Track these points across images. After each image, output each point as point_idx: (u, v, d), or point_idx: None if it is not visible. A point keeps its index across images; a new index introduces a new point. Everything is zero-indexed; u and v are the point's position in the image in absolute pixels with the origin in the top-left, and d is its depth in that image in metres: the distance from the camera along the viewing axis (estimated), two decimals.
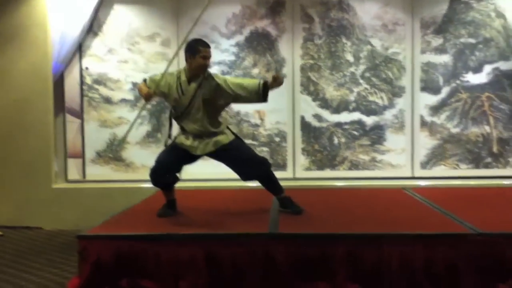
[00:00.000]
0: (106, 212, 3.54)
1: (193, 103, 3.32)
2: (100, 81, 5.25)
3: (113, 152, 5.24)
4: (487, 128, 5.05)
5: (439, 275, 2.84)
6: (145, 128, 5.26)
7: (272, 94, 5.09)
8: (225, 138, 3.43)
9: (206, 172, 5.12)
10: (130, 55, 5.23)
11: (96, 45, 5.23)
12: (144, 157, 5.15)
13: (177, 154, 3.44)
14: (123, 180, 5.18)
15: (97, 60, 5.24)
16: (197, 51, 3.28)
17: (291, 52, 5.15)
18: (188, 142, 3.38)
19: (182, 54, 3.44)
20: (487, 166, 5.06)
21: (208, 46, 3.34)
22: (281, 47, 5.16)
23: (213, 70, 5.18)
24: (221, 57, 5.18)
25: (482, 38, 5.04)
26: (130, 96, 5.25)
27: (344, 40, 5.12)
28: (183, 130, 3.44)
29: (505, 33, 5.04)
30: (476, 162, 5.07)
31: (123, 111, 5.25)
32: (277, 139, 5.17)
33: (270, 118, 5.17)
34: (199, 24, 5.15)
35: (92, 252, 2.94)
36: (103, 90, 5.25)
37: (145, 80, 3.48)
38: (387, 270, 2.88)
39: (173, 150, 3.46)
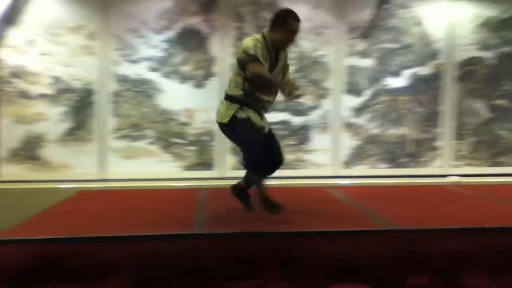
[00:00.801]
0: (22, 214, 3.33)
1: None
2: (17, 74, 4.91)
3: (29, 151, 4.93)
4: (404, 130, 5.38)
5: (358, 269, 2.99)
6: (65, 125, 4.99)
7: (201, 93, 5.14)
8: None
9: (131, 172, 4.99)
10: (52, 47, 4.94)
11: (15, 36, 4.88)
12: (63, 156, 4.90)
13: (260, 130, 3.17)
14: (40, 181, 4.89)
15: (15, 52, 4.90)
16: (285, 23, 3.05)
17: (221, 51, 5.14)
18: (259, 120, 3.18)
19: None
20: (403, 165, 5.39)
21: (298, 20, 3.09)
22: (211, 45, 5.13)
23: (142, 66, 5.06)
24: (151, 53, 5.06)
25: (402, 44, 5.35)
26: (50, 91, 4.97)
27: None
28: (249, 105, 3.14)
29: (423, 40, 5.38)
30: (393, 161, 5.38)
31: (42, 107, 4.96)
32: (205, 138, 5.14)
33: (199, 117, 5.13)
34: (127, 17, 5.02)
35: (8, 256, 2.76)
36: (21, 84, 4.92)
37: (258, 59, 2.98)
38: (311, 266, 2.98)
39: (254, 126, 3.13)
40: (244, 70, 3.05)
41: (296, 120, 5.23)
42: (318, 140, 5.27)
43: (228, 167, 5.16)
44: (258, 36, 3.12)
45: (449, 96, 5.40)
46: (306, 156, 5.25)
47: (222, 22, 5.13)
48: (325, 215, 3.59)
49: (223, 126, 3.25)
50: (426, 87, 5.38)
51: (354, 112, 5.32)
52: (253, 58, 2.97)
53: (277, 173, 5.12)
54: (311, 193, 4.58)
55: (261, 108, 3.24)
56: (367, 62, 5.30)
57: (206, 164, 5.13)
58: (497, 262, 3.04)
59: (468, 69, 5.41)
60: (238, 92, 3.13)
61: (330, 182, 5.11)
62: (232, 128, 3.18)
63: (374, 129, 5.34)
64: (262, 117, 3.25)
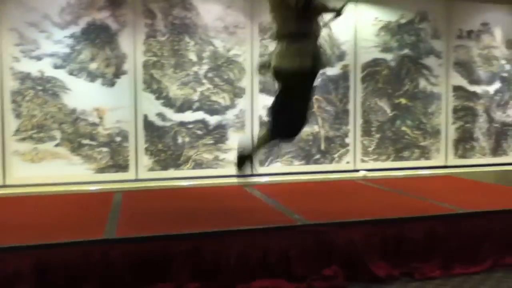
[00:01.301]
0: None
1: None
2: None
3: None
4: (316, 128, 5.59)
5: (273, 264, 3.06)
6: None
7: (112, 91, 4.93)
8: None
9: (37, 176, 4.65)
10: None
11: None
12: None
13: None
14: None
15: None
16: None
17: (133, 48, 4.96)
18: None
19: None
20: (316, 162, 5.60)
21: None
22: (121, 42, 4.93)
23: (45, 63, 4.73)
24: (54, 49, 4.73)
25: None
26: None
27: (187, 39, 5.13)
28: None
29: (330, 42, 5.62)
30: (307, 158, 5.57)
31: None
32: (118, 138, 4.93)
33: (110, 116, 4.90)
34: (27, 9, 4.66)
35: None
36: None
37: None
38: (226, 264, 2.99)
39: None
40: None
41: (212, 119, 5.21)
42: (235, 139, 5.28)
43: (143, 168, 5.00)
44: None
45: (356, 95, 5.71)
46: (223, 155, 5.25)
47: (131, 18, 4.95)
48: (242, 213, 3.63)
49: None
50: (335, 87, 5.63)
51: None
52: None
53: (195, 173, 5.14)
54: (229, 192, 4.61)
55: None
56: None
57: (120, 166, 4.93)
58: (398, 250, 3.28)
59: (372, 70, 5.76)
60: None
61: (247, 181, 5.15)
62: None
63: None
64: None
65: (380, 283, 3.13)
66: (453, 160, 6.08)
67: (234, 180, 5.12)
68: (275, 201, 4.04)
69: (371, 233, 3.23)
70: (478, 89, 6.19)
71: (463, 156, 6.15)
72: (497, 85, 6.26)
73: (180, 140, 5.12)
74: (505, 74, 6.28)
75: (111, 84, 4.91)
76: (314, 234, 3.16)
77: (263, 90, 5.38)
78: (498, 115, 6.29)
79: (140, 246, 2.90)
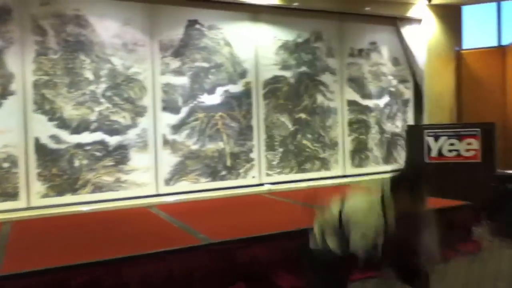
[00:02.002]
0: None
1: None
2: None
3: None
4: (221, 144, 5.62)
5: (178, 285, 2.98)
6: None
7: None
8: None
9: None
10: None
11: None
12: None
13: None
14: None
15: None
16: None
17: (21, 67, 4.61)
18: None
19: None
20: (222, 178, 5.62)
21: None
22: (8, 60, 4.57)
23: None
24: None
25: (214, 63, 5.60)
26: None
27: (82, 57, 4.89)
28: None
29: (232, 60, 5.72)
30: (213, 175, 5.57)
31: None
32: (5, 164, 4.53)
33: None
34: None
35: None
36: None
37: None
38: None
39: None
40: None
41: (112, 140, 5.00)
42: (137, 159, 5.12)
43: (36, 195, 4.64)
44: None
45: (259, 111, 5.85)
46: (126, 177, 5.05)
47: (19, 34, 4.62)
48: (145, 236, 3.51)
49: None
50: (238, 104, 5.73)
51: (173, 129, 5.34)
52: None
53: (94, 197, 4.88)
54: (133, 215, 4.44)
55: None
56: (182, 80, 5.39)
57: (8, 194, 4.52)
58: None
59: (273, 87, 5.96)
60: None
61: (153, 201, 5.03)
62: None
63: (192, 145, 5.44)
64: None
65: None
66: (351, 170, 6.46)
67: (139, 201, 4.99)
68: (180, 221, 3.97)
69: (274, 246, 3.30)
70: (369, 103, 6.67)
71: (359, 166, 6.56)
72: (386, 98, 6.80)
73: (77, 163, 4.83)
74: (392, 89, 6.85)
75: None
76: (218, 252, 3.15)
77: (166, 108, 5.29)
78: (388, 126, 6.82)
79: (31, 281, 2.67)
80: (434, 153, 5.49)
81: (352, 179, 6.26)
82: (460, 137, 5.38)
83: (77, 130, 4.84)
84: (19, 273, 2.70)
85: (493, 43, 6.54)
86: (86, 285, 2.80)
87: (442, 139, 5.48)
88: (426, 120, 6.59)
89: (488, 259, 3.92)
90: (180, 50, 5.40)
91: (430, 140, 5.54)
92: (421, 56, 6.61)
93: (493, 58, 6.15)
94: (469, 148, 5.38)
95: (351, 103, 6.52)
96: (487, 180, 4.84)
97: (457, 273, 3.61)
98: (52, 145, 4.72)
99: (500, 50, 6.15)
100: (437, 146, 5.51)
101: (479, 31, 6.83)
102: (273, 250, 3.29)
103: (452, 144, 5.43)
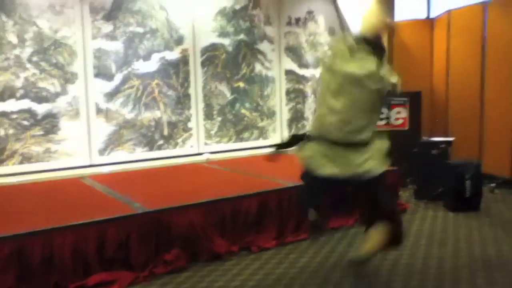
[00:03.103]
0: None
1: None
2: None
3: None
4: (158, 113, 5.51)
5: (110, 256, 2.96)
6: None
7: None
8: None
9: None
10: None
11: None
12: None
13: None
14: None
15: None
16: None
17: None
18: None
19: None
20: (159, 147, 5.54)
21: None
22: None
23: None
24: None
25: (149, 28, 5.41)
26: None
27: (4, 18, 4.55)
28: None
29: (168, 26, 5.55)
30: (150, 145, 5.48)
31: None
32: None
33: None
34: None
35: None
36: None
37: None
38: (59, 261, 2.80)
39: None
40: None
41: (41, 108, 4.75)
42: (68, 128, 4.91)
43: None
44: None
45: (197, 80, 5.77)
46: (56, 147, 4.84)
47: None
48: (77, 207, 3.42)
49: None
50: (175, 71, 5.61)
51: (106, 97, 5.15)
52: None
53: (23, 168, 4.65)
54: (64, 186, 4.30)
55: None
56: (115, 46, 5.17)
57: None
58: (235, 227, 3.46)
59: (211, 55, 5.88)
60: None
61: (86, 172, 4.88)
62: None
63: (128, 113, 5.29)
64: None
65: (220, 260, 3.28)
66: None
67: (71, 172, 4.83)
68: (115, 191, 3.90)
69: (209, 213, 3.34)
70: (306, 72, 6.78)
71: None
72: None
73: (2, 132, 4.56)
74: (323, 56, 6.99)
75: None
76: (153, 220, 3.14)
77: (98, 75, 5.08)
78: None
79: None
80: None
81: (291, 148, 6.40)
82: (389, 106, 5.63)
83: (1, 98, 4.54)
84: None
85: (423, 15, 6.82)
86: (13, 257, 2.71)
87: None
88: None
89: (412, 220, 4.21)
90: (112, 14, 5.15)
91: None
92: (355, 26, 6.76)
93: (422, 30, 6.41)
94: (398, 116, 5.65)
95: (289, 73, 6.59)
96: (412, 147, 5.13)
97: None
98: None
99: (429, 22, 6.43)
100: None
101: (410, 3, 7.08)
102: (209, 217, 3.34)
103: (382, 113, 5.68)
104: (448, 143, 5.12)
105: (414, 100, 5.65)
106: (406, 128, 5.63)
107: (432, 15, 6.68)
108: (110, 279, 2.89)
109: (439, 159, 4.86)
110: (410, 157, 5.10)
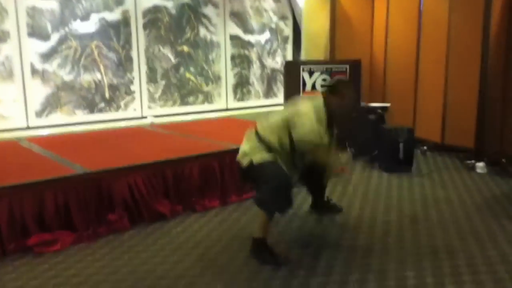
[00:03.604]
0: None
1: None
2: None
3: None
4: (98, 75, 5.35)
5: (50, 218, 2.92)
6: None
7: None
8: None
9: None
10: None
11: None
12: None
13: None
14: None
15: None
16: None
17: None
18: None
19: None
20: (101, 110, 5.41)
21: None
22: None
23: None
24: None
25: None
26: None
27: None
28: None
29: None
30: (91, 107, 5.33)
31: None
32: None
33: None
34: None
35: None
36: None
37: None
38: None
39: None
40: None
41: None
42: (2, 90, 4.68)
43: None
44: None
45: (139, 42, 5.63)
46: None
47: None
48: (13, 169, 3.31)
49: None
50: (116, 33, 5.44)
51: (42, 58, 4.92)
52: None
53: None
54: (2, 148, 4.12)
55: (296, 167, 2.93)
56: (51, 5, 4.92)
57: None
58: (179, 188, 3.51)
59: (153, 17, 5.74)
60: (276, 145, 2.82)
61: (23, 134, 4.69)
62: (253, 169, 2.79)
63: (66, 75, 5.09)
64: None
65: (164, 219, 3.32)
66: (232, 103, 6.65)
67: (7, 134, 4.63)
68: (54, 154, 3.79)
69: (152, 175, 3.36)
70: (251, 38, 6.80)
71: (241, 99, 6.77)
72: (267, 35, 6.98)
73: None
74: (273, 25, 7.04)
75: None
76: (95, 182, 3.11)
77: (33, 34, 4.83)
78: (269, 62, 7.07)
79: None
80: (308, 87, 5.87)
81: (234, 113, 6.47)
82: (330, 73, 5.80)
83: None
84: None
85: None
86: None
87: (316, 75, 5.85)
88: (303, 57, 6.95)
89: (350, 180, 4.44)
90: None
91: (305, 75, 5.89)
92: None
93: (363, 2, 6.59)
94: None
95: (234, 38, 6.58)
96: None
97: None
98: None
99: None
100: (311, 81, 5.88)
101: None
102: (152, 179, 3.35)
103: (324, 80, 5.85)
104: (384, 109, 5.39)
105: (353, 68, 5.85)
106: None
107: None
108: (51, 239, 2.86)
109: (376, 123, 5.11)
110: (350, 122, 5.31)
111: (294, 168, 2.88)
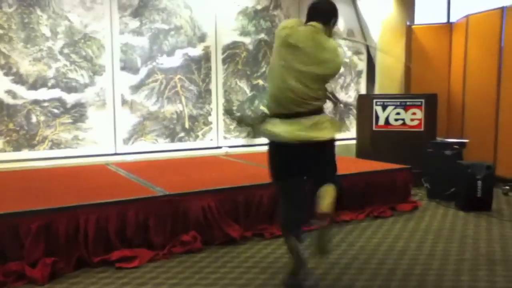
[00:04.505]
0: None
1: None
2: None
3: None
4: (179, 107, 5.74)
5: (131, 235, 3.17)
6: None
7: None
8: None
9: None
10: None
11: None
12: None
13: None
14: None
15: None
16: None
17: None
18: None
19: None
20: (180, 139, 5.77)
21: None
22: None
23: None
24: None
25: (174, 25, 5.65)
26: None
27: (39, 12, 4.84)
28: None
29: (192, 23, 5.78)
30: (172, 136, 5.71)
31: None
32: None
33: None
34: None
35: None
36: None
37: None
38: (83, 237, 3.02)
39: None
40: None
41: (70, 97, 5.03)
42: (95, 118, 5.18)
43: None
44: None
45: (218, 76, 5.99)
46: (84, 134, 5.12)
47: None
48: (102, 189, 3.64)
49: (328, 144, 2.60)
50: (197, 67, 5.83)
51: (131, 89, 5.41)
52: None
53: (52, 153, 4.93)
54: (91, 171, 4.55)
55: None
56: (141, 41, 5.43)
57: None
58: (248, 214, 3.65)
59: (232, 52, 6.09)
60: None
61: (111, 159, 5.14)
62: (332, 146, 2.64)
63: (151, 106, 5.53)
64: None
65: (234, 243, 3.46)
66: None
67: (97, 159, 5.09)
68: (137, 177, 4.12)
69: (225, 200, 3.53)
70: None
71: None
72: (340, 69, 7.06)
73: (34, 119, 4.85)
74: (346, 60, 7.12)
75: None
76: (173, 203, 3.34)
77: (125, 68, 5.34)
78: (341, 96, 7.12)
79: None
80: (381, 121, 5.84)
81: None
82: (405, 107, 5.74)
83: (34, 86, 4.84)
84: None
85: (443, 19, 6.89)
86: (42, 231, 2.93)
87: (389, 109, 5.82)
88: (377, 91, 6.93)
89: (422, 217, 4.32)
90: (139, 10, 5.41)
91: (378, 109, 5.87)
92: (375, 29, 6.89)
93: (441, 34, 6.49)
94: (413, 117, 5.75)
95: None
96: (426, 147, 5.23)
97: (392, 228, 3.98)
98: (9, 100, 4.71)
99: (448, 26, 6.50)
100: (385, 115, 5.85)
101: (430, 8, 7.17)
102: (224, 203, 3.52)
103: (398, 113, 5.79)
104: (462, 144, 5.20)
105: (429, 102, 5.74)
106: (422, 129, 5.72)
107: (452, 20, 6.75)
108: (131, 255, 3.10)
109: (452, 159, 4.94)
110: (425, 157, 5.19)
111: None
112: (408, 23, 6.76)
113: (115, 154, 5.31)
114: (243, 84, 6.21)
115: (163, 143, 5.65)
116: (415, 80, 6.65)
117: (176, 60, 5.66)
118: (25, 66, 4.79)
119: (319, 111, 2.58)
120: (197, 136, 5.89)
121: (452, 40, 6.44)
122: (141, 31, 5.42)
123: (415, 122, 5.75)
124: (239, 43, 6.12)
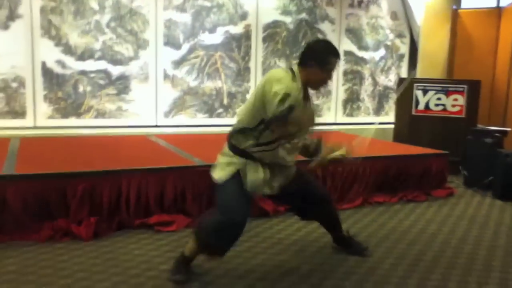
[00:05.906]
0: None
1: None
2: None
3: None
4: (219, 83, 5.85)
5: (169, 201, 3.33)
6: None
7: (6, 35, 4.71)
8: None
9: None
10: None
11: None
12: None
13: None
14: None
15: None
16: (327, 62, 2.33)
17: None
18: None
19: None
20: (219, 115, 5.89)
21: (339, 57, 2.42)
22: None
23: None
24: None
25: (216, 2, 5.72)
26: None
27: None
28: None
29: (234, 1, 5.83)
30: (210, 112, 5.84)
31: None
32: (14, 84, 4.78)
33: (2, 61, 4.71)
34: None
35: None
36: None
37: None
38: (125, 202, 3.20)
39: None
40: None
41: (115, 70, 5.22)
42: (138, 91, 5.37)
43: (42, 116, 4.92)
44: (288, 75, 2.28)
45: (257, 54, 6.04)
46: (127, 106, 5.32)
47: None
48: (143, 158, 3.81)
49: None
50: (238, 45, 5.90)
51: (173, 64, 5.55)
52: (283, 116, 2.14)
53: (97, 122, 5.16)
54: (133, 141, 4.74)
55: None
56: (184, 17, 5.54)
57: (17, 113, 4.80)
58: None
59: (272, 31, 6.11)
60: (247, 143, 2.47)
61: (152, 131, 5.33)
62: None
63: (192, 81, 5.67)
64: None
65: (267, 217, 3.57)
66: (341, 118, 6.74)
67: (138, 130, 5.29)
68: (178, 148, 4.27)
69: None
70: (365, 55, 6.85)
71: (350, 115, 6.84)
72: (381, 52, 6.97)
73: (81, 88, 5.08)
74: (388, 43, 7.01)
75: (5, 27, 4.70)
76: (209, 174, 3.45)
77: (167, 43, 5.48)
78: (382, 79, 7.04)
79: (39, 184, 2.99)
80: (421, 106, 5.75)
81: (342, 127, 6.55)
82: (446, 93, 5.63)
83: (82, 57, 5.06)
84: (30, 174, 3.01)
85: (492, 3, 6.64)
86: (86, 192, 3.11)
87: (430, 94, 5.72)
88: (418, 75, 6.80)
89: (457, 203, 4.28)
90: None
91: (418, 93, 5.78)
92: (419, 12, 6.73)
93: (489, 19, 6.26)
94: (455, 103, 5.63)
95: (347, 54, 6.70)
96: (466, 134, 5.13)
97: (424, 212, 3.98)
98: (58, 69, 4.96)
99: (497, 11, 6.26)
100: (425, 100, 5.76)
101: None
102: None
103: (439, 99, 5.69)
104: (504, 132, 5.07)
105: (472, 89, 5.60)
106: (463, 115, 5.61)
107: (502, 4, 6.50)
108: (169, 220, 3.25)
109: (492, 147, 4.84)
110: (464, 144, 5.11)
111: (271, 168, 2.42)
112: (454, 7, 6.56)
113: (156, 126, 5.49)
114: (282, 64, 6.24)
115: (202, 118, 5.79)
116: (458, 66, 6.48)
117: (217, 38, 5.75)
118: (74, 38, 5.00)
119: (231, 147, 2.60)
120: (234, 113, 5.99)
121: (500, 25, 6.22)
122: (184, 7, 5.53)
123: (456, 108, 5.64)
124: (280, 22, 6.13)
